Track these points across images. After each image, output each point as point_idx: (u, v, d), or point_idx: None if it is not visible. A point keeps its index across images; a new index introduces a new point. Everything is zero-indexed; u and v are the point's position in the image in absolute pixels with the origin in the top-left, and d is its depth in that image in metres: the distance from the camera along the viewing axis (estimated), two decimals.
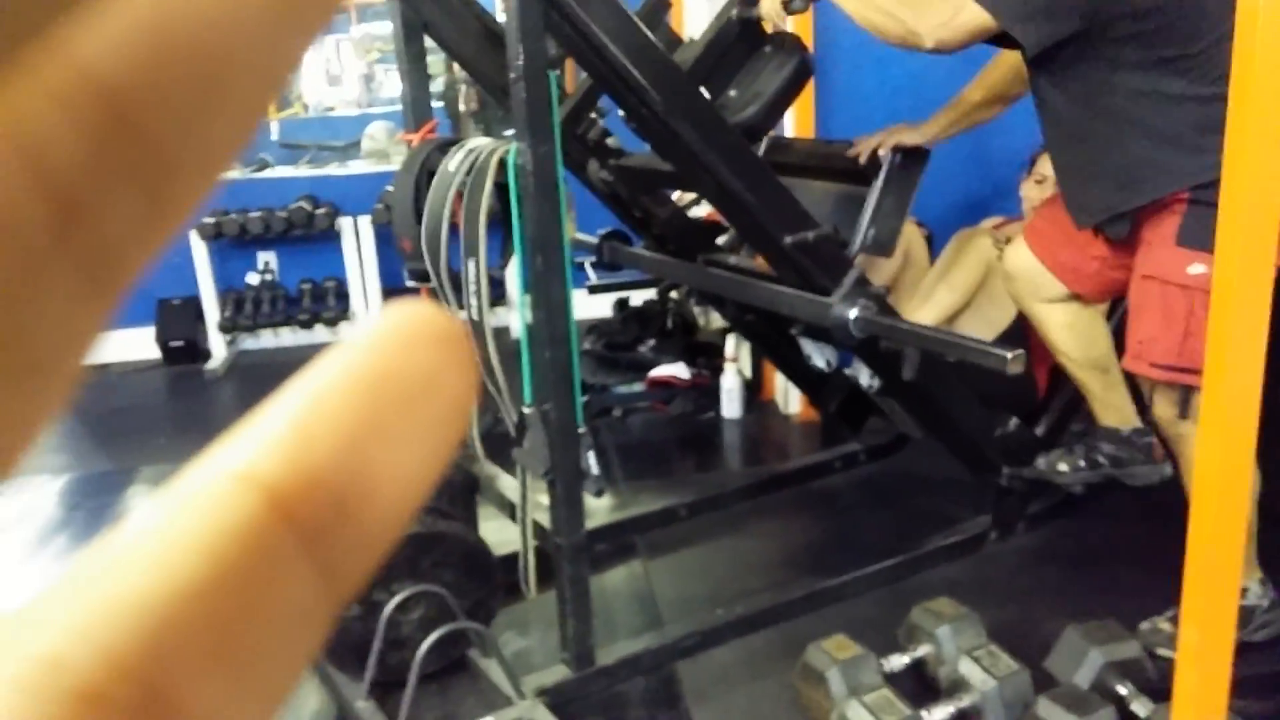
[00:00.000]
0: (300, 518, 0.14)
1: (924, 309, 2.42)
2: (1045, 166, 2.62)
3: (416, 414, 0.15)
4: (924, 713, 1.76)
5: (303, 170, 5.31)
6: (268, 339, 4.87)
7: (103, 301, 0.13)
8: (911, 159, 2.18)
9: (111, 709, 0.12)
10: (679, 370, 3.65)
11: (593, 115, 2.21)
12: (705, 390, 3.61)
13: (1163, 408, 1.97)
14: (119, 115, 0.13)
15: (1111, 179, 1.92)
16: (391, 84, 5.91)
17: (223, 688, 0.13)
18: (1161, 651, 2.01)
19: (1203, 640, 1.75)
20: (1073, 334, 2.15)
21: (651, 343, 3.83)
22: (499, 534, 2.32)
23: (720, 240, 2.47)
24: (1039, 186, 2.62)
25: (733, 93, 1.92)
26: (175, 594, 0.13)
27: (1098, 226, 2.01)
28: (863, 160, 2.14)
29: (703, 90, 1.79)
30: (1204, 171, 1.75)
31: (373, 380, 0.15)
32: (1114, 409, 2.23)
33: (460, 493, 2.33)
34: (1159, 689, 1.79)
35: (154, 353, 4.66)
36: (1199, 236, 1.77)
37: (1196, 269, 1.80)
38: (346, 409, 0.15)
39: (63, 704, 0.12)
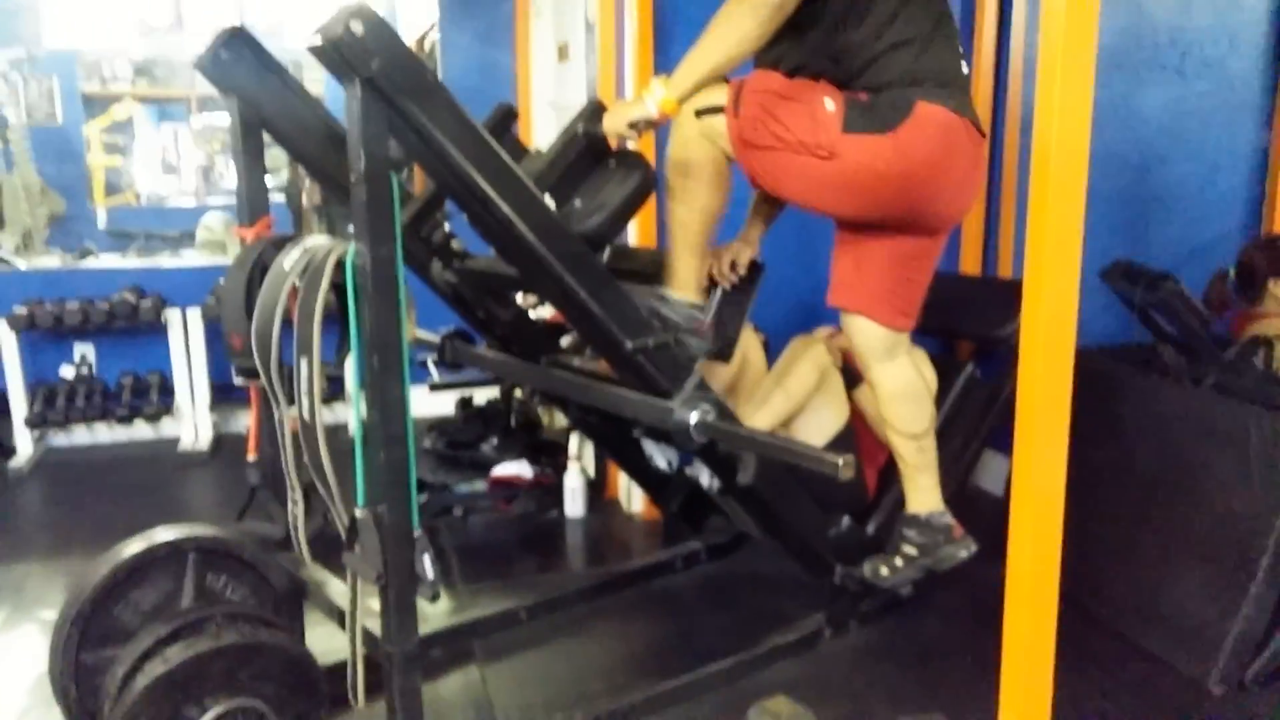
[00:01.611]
0: None
1: (760, 413, 2.50)
2: None
3: None
4: None
5: (130, 260, 5.09)
6: (82, 435, 4.55)
7: None
8: (749, 270, 2.28)
9: None
10: (522, 469, 3.62)
11: (437, 217, 2.22)
12: (549, 489, 3.58)
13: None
14: None
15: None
16: (232, 175, 5.79)
17: None
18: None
19: None
20: (907, 399, 2.27)
21: (494, 441, 3.79)
22: (328, 641, 2.21)
23: (564, 342, 2.50)
24: None
25: (578, 203, 1.96)
26: None
27: None
28: (726, 285, 2.24)
29: (548, 199, 1.83)
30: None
31: None
32: (925, 490, 2.35)
33: (285, 599, 2.22)
34: None
35: None
36: (852, 118, 1.94)
37: (829, 105, 1.95)
38: None
39: None
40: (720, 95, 2.02)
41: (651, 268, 2.30)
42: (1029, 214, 1.71)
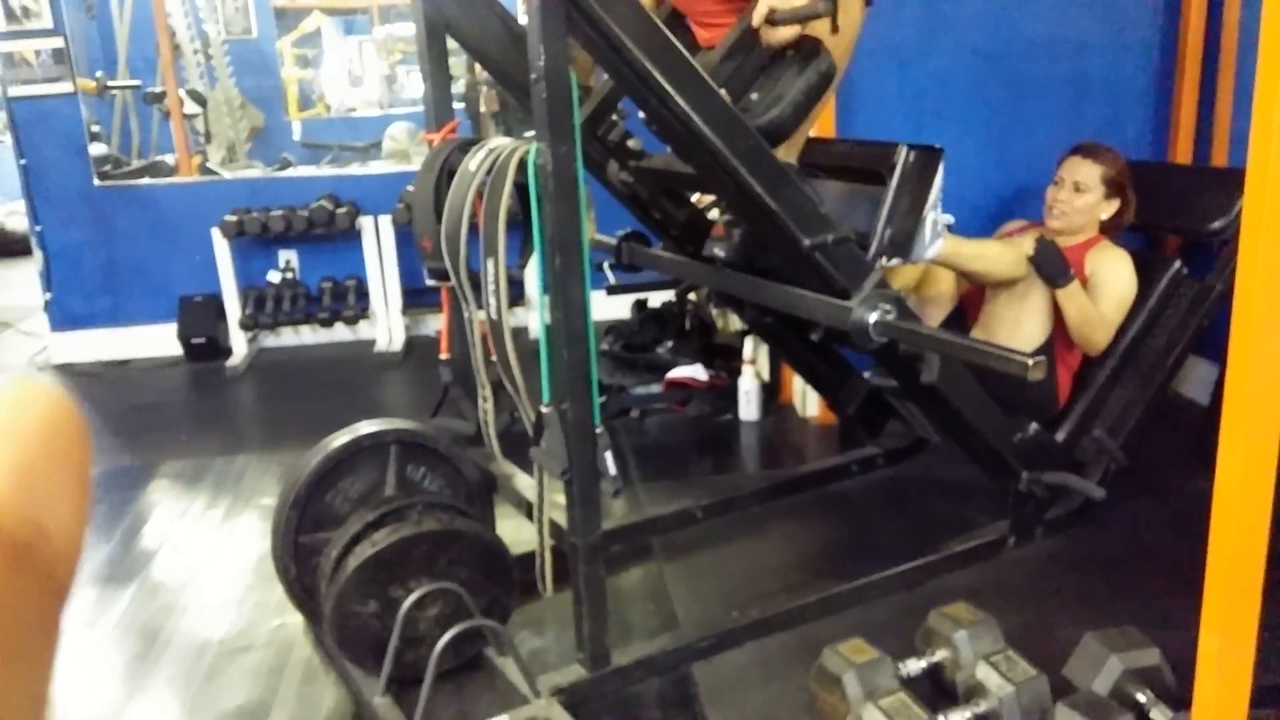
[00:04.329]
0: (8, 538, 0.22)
1: None
2: (1064, 170, 2.61)
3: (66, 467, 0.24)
4: (941, 717, 1.75)
5: (324, 170, 5.35)
6: (288, 337, 4.90)
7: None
8: (925, 157, 2.17)
9: None
10: (697, 372, 3.65)
11: (613, 117, 2.22)
12: (723, 392, 3.60)
13: None
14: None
15: None
16: (413, 85, 5.94)
17: None
18: None
19: (1223, 647, 1.74)
20: None
21: (669, 344, 3.83)
22: (516, 533, 2.33)
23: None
24: (1054, 188, 2.62)
25: (754, 96, 1.91)
26: None
27: None
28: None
29: (723, 93, 1.79)
30: None
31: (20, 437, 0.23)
32: None
33: (477, 491, 2.34)
34: (1178, 697, 1.78)
35: (176, 349, 4.70)
36: None
37: None
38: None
39: None
40: None
41: (830, 161, 2.23)
42: (1256, 90, 1.54)
